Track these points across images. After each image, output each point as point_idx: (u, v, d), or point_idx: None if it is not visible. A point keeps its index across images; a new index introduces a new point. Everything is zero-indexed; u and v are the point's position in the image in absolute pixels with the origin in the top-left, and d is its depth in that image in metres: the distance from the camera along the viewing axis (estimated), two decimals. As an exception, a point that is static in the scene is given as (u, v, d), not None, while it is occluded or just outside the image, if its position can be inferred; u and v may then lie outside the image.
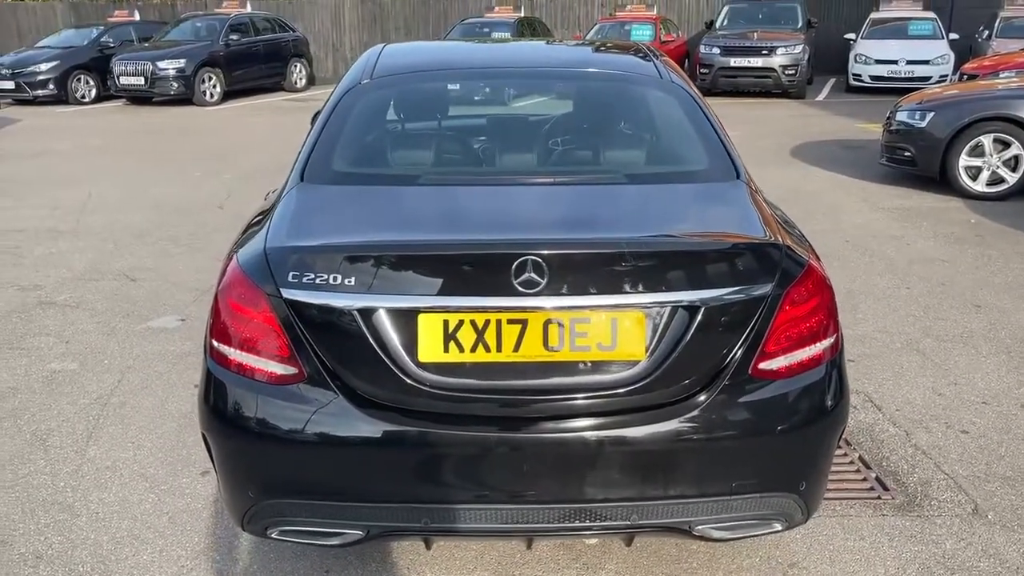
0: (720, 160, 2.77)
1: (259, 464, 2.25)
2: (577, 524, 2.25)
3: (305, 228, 2.39)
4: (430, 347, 2.17)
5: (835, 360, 2.34)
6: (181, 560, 2.76)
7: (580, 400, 2.19)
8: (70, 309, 5.12)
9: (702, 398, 2.19)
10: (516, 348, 2.17)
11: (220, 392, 2.26)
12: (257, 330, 2.21)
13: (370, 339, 2.15)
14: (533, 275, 2.12)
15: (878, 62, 15.90)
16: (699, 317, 2.18)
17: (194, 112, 15.18)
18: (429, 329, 2.16)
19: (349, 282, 2.16)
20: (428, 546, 2.56)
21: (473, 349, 2.17)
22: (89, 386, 4.03)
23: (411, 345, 2.16)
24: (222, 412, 2.25)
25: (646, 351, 2.18)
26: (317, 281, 2.17)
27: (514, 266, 2.11)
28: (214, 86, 16.25)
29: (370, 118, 3.02)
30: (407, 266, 2.19)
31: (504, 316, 2.16)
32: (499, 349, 2.17)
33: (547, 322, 2.16)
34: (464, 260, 2.19)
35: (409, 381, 2.16)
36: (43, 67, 16.25)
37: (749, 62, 15.86)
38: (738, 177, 2.70)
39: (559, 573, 2.70)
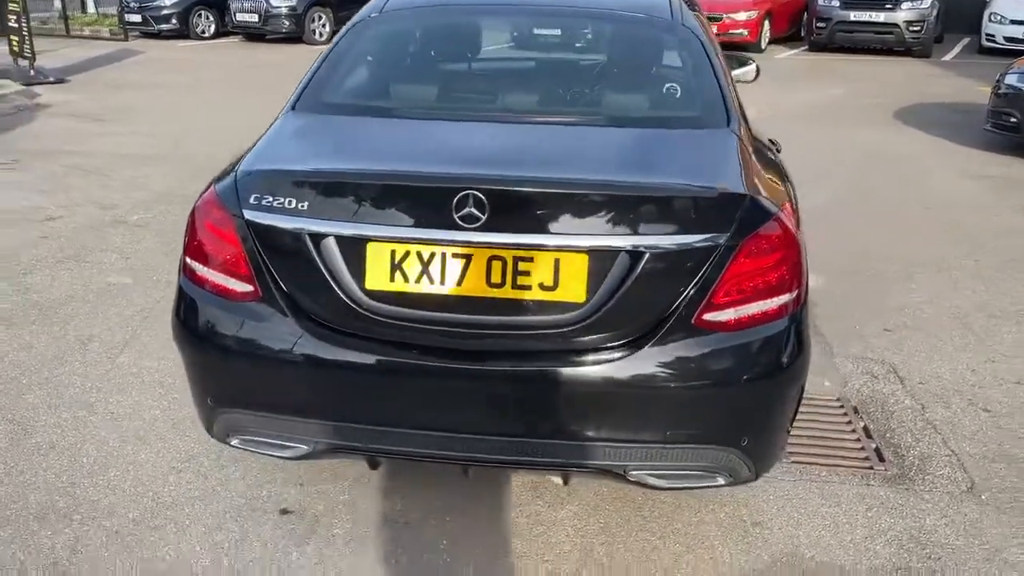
0: (713, 107, 2.70)
1: (216, 376, 2.39)
2: (509, 458, 2.30)
3: (276, 154, 2.49)
4: (377, 276, 2.23)
5: (794, 316, 2.28)
6: (174, 462, 2.96)
7: (519, 339, 2.22)
8: (138, 228, 5.45)
9: (641, 345, 2.18)
10: (459, 282, 2.21)
11: (187, 306, 2.40)
12: (222, 249, 2.33)
13: (320, 264, 2.23)
14: (474, 210, 2.14)
15: (1013, 22, 14.74)
16: (642, 263, 2.16)
17: (304, 50, 15.57)
18: (376, 258, 2.22)
19: (303, 207, 2.24)
20: (372, 466, 2.66)
21: (418, 280, 2.22)
22: (136, 299, 4.31)
23: (359, 272, 2.23)
24: (187, 324, 2.39)
25: (587, 294, 2.18)
26: (275, 204, 2.26)
27: (455, 200, 2.14)
28: (323, 24, 16.61)
29: (369, 52, 3.07)
30: (358, 195, 2.25)
31: (448, 250, 2.20)
32: (443, 282, 2.21)
33: (491, 259, 2.19)
34: (409, 192, 2.23)
35: (355, 307, 2.24)
36: (167, 2, 16.96)
37: (870, 16, 14.96)
38: (728, 125, 2.62)
39: (521, 508, 2.76)
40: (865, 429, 3.30)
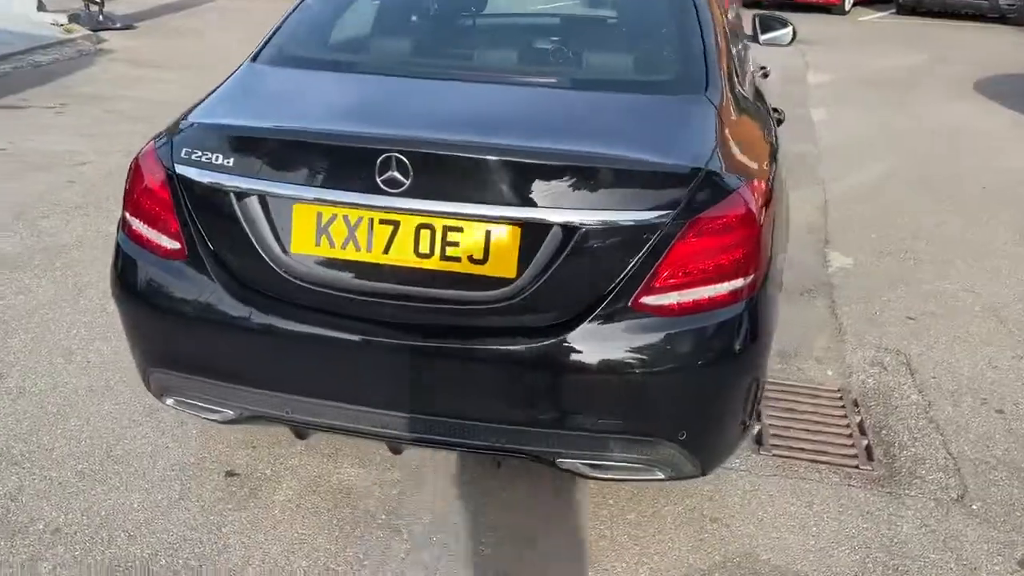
0: (693, 72, 2.49)
1: (147, 335, 2.34)
2: (431, 437, 2.19)
3: (215, 108, 2.39)
4: (302, 239, 2.13)
5: (749, 303, 2.09)
6: (135, 415, 2.94)
7: (446, 313, 2.09)
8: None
9: (572, 327, 2.03)
10: (386, 250, 2.09)
11: (123, 261, 2.34)
12: (155, 203, 2.26)
13: (243, 224, 2.15)
14: (396, 174, 2.01)
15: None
16: (575, 240, 2.01)
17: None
18: (302, 220, 2.12)
19: (229, 163, 2.15)
20: (299, 436, 2.58)
21: (344, 246, 2.11)
22: (142, 248, 4.32)
23: (285, 235, 2.14)
24: (121, 280, 2.34)
25: (518, 270, 2.04)
26: (203, 159, 2.17)
27: (378, 163, 2.02)
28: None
29: (339, 3, 2.94)
30: (284, 153, 2.15)
31: (376, 215, 2.08)
32: (369, 249, 2.10)
33: (419, 227, 2.06)
34: (333, 152, 2.12)
35: (278, 271, 2.15)
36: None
37: (964, -21, 14.11)
38: (705, 91, 2.41)
39: (475, 484, 2.66)
40: (860, 425, 3.08)
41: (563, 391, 2.08)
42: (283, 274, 2.15)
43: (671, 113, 2.35)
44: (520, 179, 2.02)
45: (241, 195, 2.14)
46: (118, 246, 2.37)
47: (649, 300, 2.03)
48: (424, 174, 2.01)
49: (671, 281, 2.03)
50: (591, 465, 2.16)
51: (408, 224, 2.07)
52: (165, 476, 2.65)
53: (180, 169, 2.20)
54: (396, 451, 2.56)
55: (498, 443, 2.15)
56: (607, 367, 2.04)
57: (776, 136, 2.75)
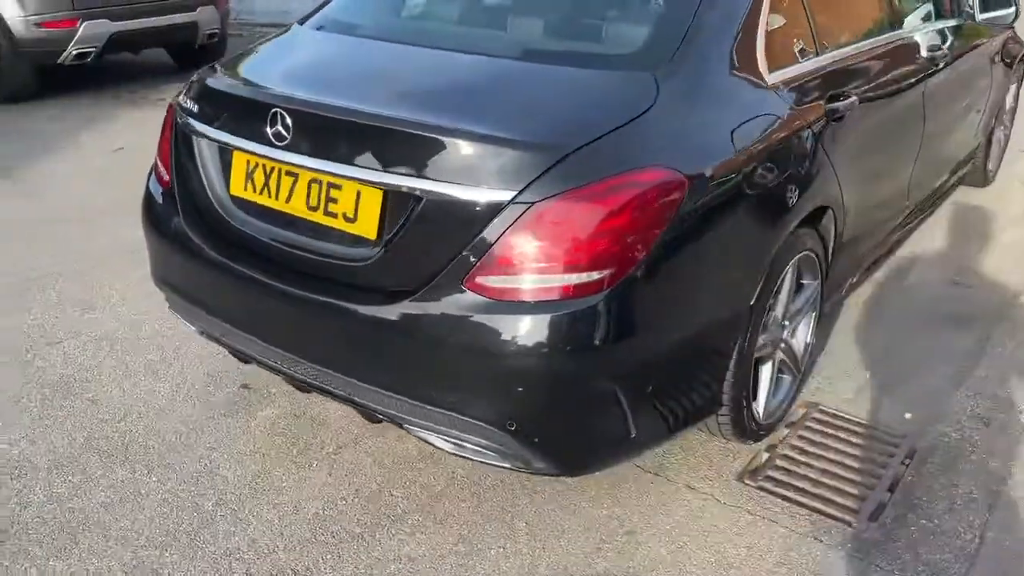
0: (654, 49, 2.29)
1: (151, 253, 2.72)
2: (309, 381, 2.32)
3: (231, 61, 2.69)
4: (237, 182, 2.37)
5: (599, 299, 1.92)
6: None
7: (321, 266, 2.20)
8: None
9: (409, 297, 2.04)
10: (288, 199, 2.26)
11: (146, 190, 2.74)
12: (164, 140, 2.64)
13: (200, 164, 2.44)
14: (280, 129, 2.17)
15: None
16: (421, 209, 2.01)
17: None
18: (238, 165, 2.36)
19: (195, 110, 2.45)
20: (241, 360, 2.76)
21: (261, 192, 2.31)
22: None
23: (226, 177, 2.40)
24: (143, 205, 2.74)
25: (377, 233, 2.09)
26: (189, 105, 2.51)
27: (268, 117, 2.18)
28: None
29: None
30: (227, 106, 2.39)
31: (283, 167, 2.25)
32: (277, 196, 2.28)
33: (311, 181, 2.20)
34: (246, 106, 2.32)
35: (219, 209, 2.41)
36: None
37: None
38: (657, 70, 2.20)
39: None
40: (895, 480, 2.60)
41: (399, 359, 2.10)
42: (221, 212, 2.40)
43: (593, 89, 2.18)
44: (382, 145, 2.07)
45: (201, 137, 2.43)
46: (149, 172, 2.79)
47: (482, 280, 1.96)
48: (301, 132, 2.14)
49: (508, 265, 1.94)
50: (441, 438, 2.15)
51: (304, 177, 2.21)
52: (196, 377, 3.09)
53: (176, 113, 2.55)
54: (301, 389, 2.65)
55: (354, 397, 2.23)
56: (437, 342, 2.02)
57: (792, 141, 2.40)
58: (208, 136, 2.40)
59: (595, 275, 1.92)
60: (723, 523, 2.42)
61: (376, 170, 2.06)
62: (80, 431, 2.78)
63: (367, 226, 2.10)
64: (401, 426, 2.20)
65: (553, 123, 2.06)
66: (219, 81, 2.52)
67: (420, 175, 2.01)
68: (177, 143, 2.53)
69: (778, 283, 2.48)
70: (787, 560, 2.29)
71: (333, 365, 2.22)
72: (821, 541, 2.36)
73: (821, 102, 2.57)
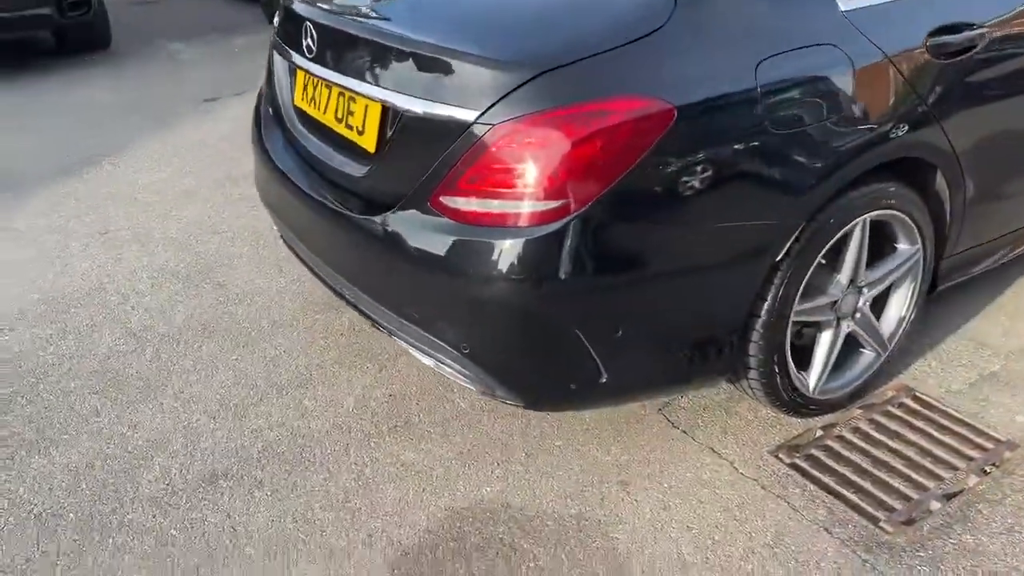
0: None
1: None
2: (330, 285, 2.46)
3: None
4: (298, 92, 2.55)
5: (553, 230, 1.84)
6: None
7: (339, 174, 2.31)
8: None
9: (388, 211, 2.08)
10: (324, 110, 2.39)
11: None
12: (267, 59, 2.88)
13: (276, 79, 2.66)
14: (310, 42, 2.30)
15: None
16: (401, 124, 2.05)
17: None
18: (299, 78, 2.53)
19: (279, 29, 2.66)
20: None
21: (310, 102, 2.46)
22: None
23: (292, 88, 2.58)
24: (255, 109, 3.01)
25: (375, 147, 2.16)
26: (275, 23, 2.72)
27: (302, 29, 2.33)
28: None
29: None
30: (290, 23, 2.54)
31: (318, 79, 2.38)
32: (318, 107, 2.42)
33: (339, 93, 2.31)
34: (298, 23, 2.44)
35: (286, 120, 2.61)
36: None
37: None
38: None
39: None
40: (961, 489, 2.22)
41: (379, 271, 2.16)
42: (286, 119, 2.60)
43: (598, 7, 2.01)
44: (377, 60, 2.13)
45: (276, 55, 2.64)
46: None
47: (446, 200, 1.96)
48: (322, 45, 2.26)
49: (471, 186, 1.91)
50: (423, 354, 2.20)
51: (334, 90, 2.32)
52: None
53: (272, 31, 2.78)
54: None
55: (359, 305, 2.33)
56: (405, 258, 2.05)
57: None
58: (277, 51, 2.61)
59: (551, 205, 1.84)
60: (727, 492, 2.24)
61: (371, 84, 2.12)
62: (198, 312, 3.19)
63: (370, 140, 2.17)
64: (391, 337, 2.28)
65: (537, 42, 1.95)
66: (289, 1, 2.68)
67: (401, 90, 2.04)
68: (270, 62, 2.76)
69: (832, 242, 2.19)
70: (775, 544, 2.08)
71: (343, 272, 2.35)
72: (828, 532, 2.11)
73: (922, 34, 2.17)
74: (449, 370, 2.14)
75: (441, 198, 1.97)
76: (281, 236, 2.86)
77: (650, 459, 2.36)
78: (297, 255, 2.70)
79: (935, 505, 2.18)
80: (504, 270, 1.89)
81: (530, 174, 1.84)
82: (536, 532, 2.15)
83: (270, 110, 2.75)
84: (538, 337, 1.97)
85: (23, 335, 3.05)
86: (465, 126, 1.90)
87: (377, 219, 2.11)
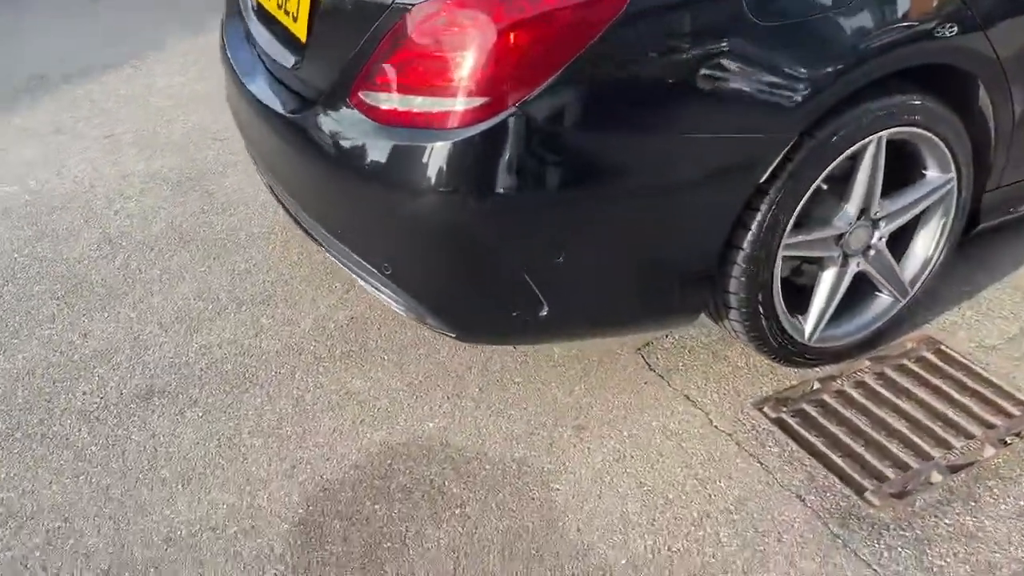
0: None
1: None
2: (275, 192, 2.24)
3: None
4: (255, -12, 2.30)
5: (474, 134, 1.57)
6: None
7: (280, 71, 2.07)
8: None
9: (310, 109, 1.84)
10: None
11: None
12: None
13: None
14: None
15: None
16: (323, 8, 1.78)
17: None
18: None
19: None
20: None
21: (264, -5, 2.21)
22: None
23: None
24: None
25: (306, 35, 1.91)
26: None
27: None
28: None
29: None
30: None
31: None
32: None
33: (279, -25, 2.05)
34: None
35: (243, 9, 2.37)
36: None
37: None
38: None
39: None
40: (971, 462, 1.90)
41: (304, 175, 1.93)
42: (244, 13, 2.36)
43: None
44: None
45: None
46: None
47: (364, 97, 1.70)
48: None
49: (380, 80, 1.66)
50: (354, 274, 1.97)
51: (276, -30, 2.07)
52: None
53: None
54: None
55: (293, 214, 2.11)
56: (323, 160, 1.82)
57: None
58: None
59: (478, 102, 1.56)
60: (694, 446, 1.97)
61: (305, -37, 1.86)
62: (179, 220, 3.03)
63: (302, 26, 1.92)
64: (327, 252, 2.06)
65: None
66: None
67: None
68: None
69: (834, 164, 1.84)
70: (735, 510, 1.81)
71: (278, 178, 2.13)
72: (801, 500, 1.82)
73: None
74: (382, 295, 1.91)
75: (360, 93, 1.71)
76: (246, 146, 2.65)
77: (615, 403, 2.11)
78: (256, 166, 2.50)
79: (936, 477, 1.86)
80: (424, 178, 1.63)
81: (454, 65, 1.56)
82: (471, 476, 1.94)
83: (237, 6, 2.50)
84: (464, 259, 1.73)
85: (2, 235, 2.96)
86: (384, 7, 1.63)
87: (298, 117, 1.87)
